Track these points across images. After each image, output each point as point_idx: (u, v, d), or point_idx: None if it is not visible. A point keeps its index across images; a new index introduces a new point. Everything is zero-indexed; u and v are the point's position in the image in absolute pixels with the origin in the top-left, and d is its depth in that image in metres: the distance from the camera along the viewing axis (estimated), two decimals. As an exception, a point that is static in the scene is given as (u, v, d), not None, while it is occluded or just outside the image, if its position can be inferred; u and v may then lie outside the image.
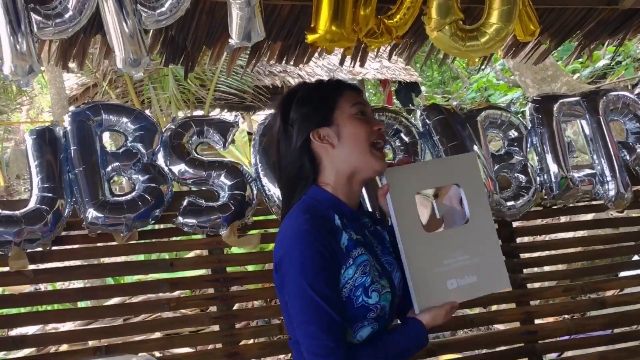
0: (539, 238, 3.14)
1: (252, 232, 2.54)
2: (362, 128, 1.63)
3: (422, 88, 14.19)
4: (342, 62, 3.20)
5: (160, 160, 2.42)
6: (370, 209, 2.51)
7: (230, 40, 2.33)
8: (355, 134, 1.62)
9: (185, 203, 2.39)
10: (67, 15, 2.05)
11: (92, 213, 2.25)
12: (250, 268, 3.82)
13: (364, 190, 2.51)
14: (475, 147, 2.67)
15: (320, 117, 1.63)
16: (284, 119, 1.66)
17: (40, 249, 2.26)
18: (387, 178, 1.67)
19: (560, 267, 3.77)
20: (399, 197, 1.65)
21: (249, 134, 7.19)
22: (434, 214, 1.70)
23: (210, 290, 2.52)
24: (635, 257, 3.75)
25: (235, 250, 2.76)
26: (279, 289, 1.61)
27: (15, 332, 4.08)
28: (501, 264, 1.73)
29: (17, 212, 2.20)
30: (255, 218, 2.48)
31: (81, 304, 4.05)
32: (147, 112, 2.73)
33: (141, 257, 4.40)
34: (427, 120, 2.74)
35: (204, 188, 2.48)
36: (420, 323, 1.60)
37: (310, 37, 2.46)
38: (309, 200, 1.62)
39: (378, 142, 1.65)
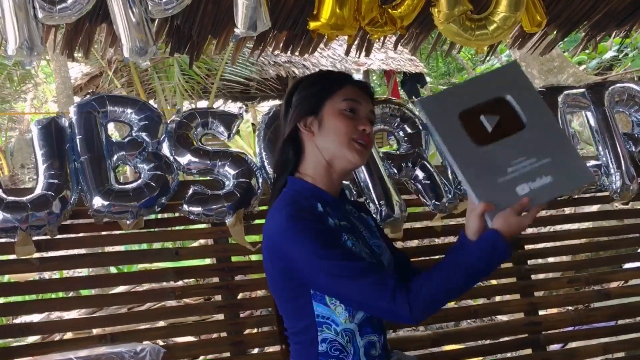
0: (543, 229, 3.14)
1: (257, 222, 2.54)
2: (344, 123, 1.65)
3: (427, 79, 14.14)
4: (347, 53, 3.19)
5: (165, 150, 2.43)
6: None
7: (235, 29, 2.32)
8: (335, 127, 1.65)
9: (190, 191, 2.40)
10: (70, 1, 2.05)
11: (98, 200, 2.26)
12: (253, 258, 3.83)
13: (367, 179, 2.53)
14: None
15: (310, 106, 1.67)
16: (287, 104, 1.73)
17: (46, 237, 2.27)
18: (424, 107, 1.63)
19: (564, 258, 3.77)
20: (441, 122, 1.60)
21: (252, 124, 7.19)
22: (484, 128, 1.61)
23: (215, 280, 2.53)
24: (640, 249, 3.75)
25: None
26: (272, 280, 1.65)
27: (20, 319, 4.11)
28: (577, 159, 1.65)
29: (23, 198, 2.21)
30: (261, 208, 2.49)
31: (85, 293, 4.07)
32: (152, 101, 2.73)
33: (145, 247, 4.40)
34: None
35: (209, 177, 2.49)
36: (491, 230, 1.53)
37: (313, 24, 2.46)
38: (290, 192, 1.65)
39: (359, 142, 1.65)
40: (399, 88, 13.25)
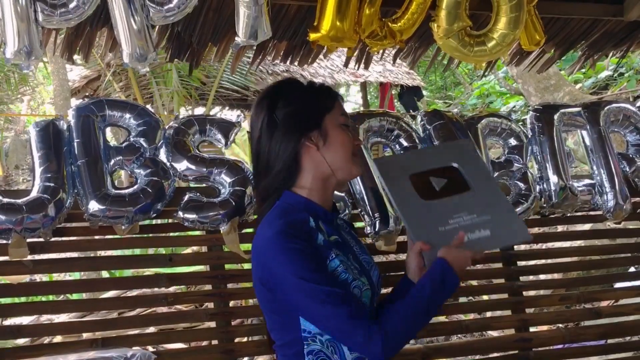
0: (536, 246, 3.15)
1: (249, 230, 2.54)
2: (348, 138, 1.70)
3: (424, 92, 14.17)
4: (346, 64, 3.20)
5: (162, 156, 2.43)
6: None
7: (236, 38, 2.34)
8: (342, 142, 1.68)
9: (186, 198, 2.40)
10: (71, 6, 2.06)
11: (94, 205, 2.26)
12: (247, 266, 3.83)
13: (363, 191, 2.53)
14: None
15: (310, 119, 1.67)
16: (269, 114, 1.67)
17: (39, 239, 2.27)
18: (379, 167, 1.81)
19: (556, 276, 3.78)
20: (392, 181, 1.78)
21: (248, 132, 7.19)
22: (433, 188, 1.80)
23: (208, 287, 2.53)
24: (632, 269, 3.76)
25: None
26: (259, 293, 1.65)
27: (9, 322, 4.09)
28: (514, 219, 1.82)
29: (18, 200, 2.21)
30: (255, 216, 2.49)
31: (76, 297, 4.05)
32: (149, 106, 2.74)
33: (138, 252, 4.40)
34: (427, 126, 2.75)
35: (204, 185, 2.49)
36: (438, 259, 1.63)
37: (313, 36, 2.48)
38: (283, 205, 1.65)
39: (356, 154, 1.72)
40: (395, 100, 13.29)
